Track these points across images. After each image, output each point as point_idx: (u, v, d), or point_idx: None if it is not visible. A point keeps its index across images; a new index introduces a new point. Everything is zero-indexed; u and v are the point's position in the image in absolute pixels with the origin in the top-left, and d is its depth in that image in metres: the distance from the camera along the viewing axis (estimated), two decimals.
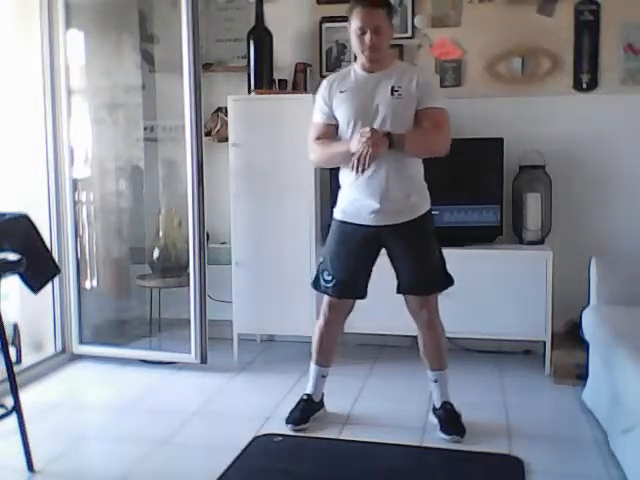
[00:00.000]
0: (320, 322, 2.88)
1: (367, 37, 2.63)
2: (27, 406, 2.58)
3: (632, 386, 2.27)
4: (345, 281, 2.78)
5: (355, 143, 2.59)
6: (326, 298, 2.84)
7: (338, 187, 2.81)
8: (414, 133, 2.65)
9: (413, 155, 2.68)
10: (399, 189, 2.67)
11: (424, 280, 2.75)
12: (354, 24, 2.66)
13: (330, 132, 2.75)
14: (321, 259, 2.87)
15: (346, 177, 2.75)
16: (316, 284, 2.86)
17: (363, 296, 2.84)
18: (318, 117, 2.80)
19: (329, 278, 2.80)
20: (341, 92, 2.72)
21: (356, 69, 2.76)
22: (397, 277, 2.78)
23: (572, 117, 3.73)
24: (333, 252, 2.81)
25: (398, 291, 2.79)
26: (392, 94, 2.64)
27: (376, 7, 2.65)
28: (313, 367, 2.95)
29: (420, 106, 2.67)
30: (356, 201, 2.71)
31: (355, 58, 2.80)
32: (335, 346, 2.95)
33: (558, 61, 3.72)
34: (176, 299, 3.92)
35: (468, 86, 3.83)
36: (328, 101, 2.76)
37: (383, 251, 2.78)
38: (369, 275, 2.82)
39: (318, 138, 2.77)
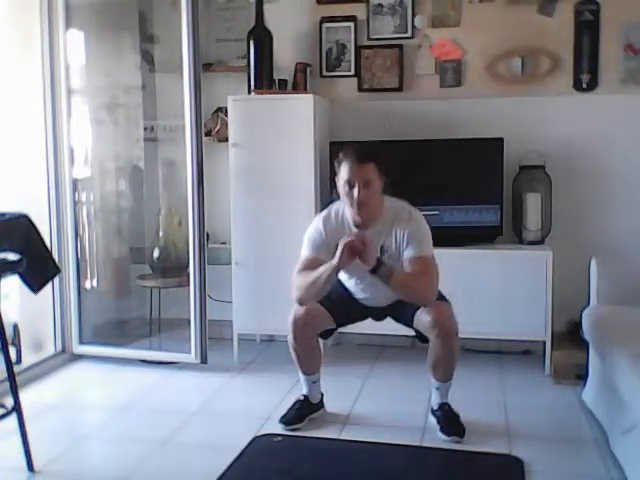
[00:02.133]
0: (291, 340, 2.81)
1: (355, 191, 2.60)
2: (27, 406, 2.58)
3: (632, 386, 2.27)
4: (328, 293, 2.75)
5: (337, 255, 2.55)
6: (291, 314, 2.77)
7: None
8: (403, 273, 2.62)
9: (395, 291, 2.65)
10: (391, 296, 2.74)
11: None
12: (342, 177, 2.65)
13: (318, 265, 2.65)
14: None
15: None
16: None
17: (334, 316, 2.82)
18: (309, 251, 2.74)
19: None
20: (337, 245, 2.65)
21: (349, 222, 2.73)
22: (406, 318, 2.79)
23: (572, 117, 3.73)
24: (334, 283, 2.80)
25: (412, 324, 2.78)
26: (382, 254, 2.65)
27: (365, 163, 2.62)
28: (301, 376, 2.94)
29: (408, 254, 2.65)
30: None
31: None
32: (315, 354, 2.90)
33: (558, 61, 3.72)
34: (176, 299, 3.92)
35: (468, 86, 3.83)
36: (324, 242, 2.71)
37: None
38: (347, 315, 2.87)
39: (304, 270, 2.70)
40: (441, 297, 2.74)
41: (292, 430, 2.83)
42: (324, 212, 2.83)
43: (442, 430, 2.77)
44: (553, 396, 3.25)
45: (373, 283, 2.69)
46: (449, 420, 2.79)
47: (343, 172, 2.64)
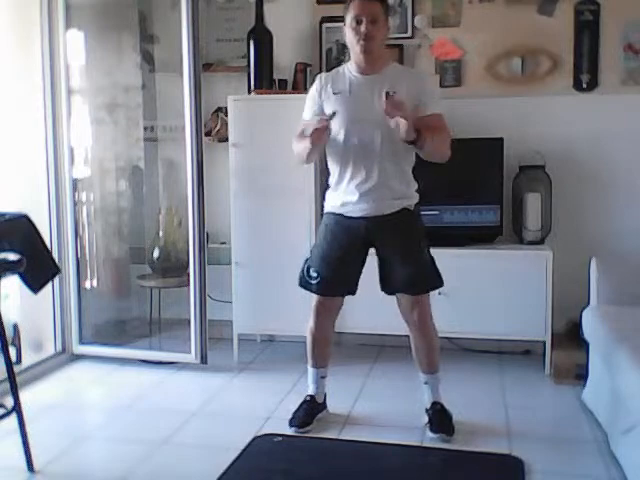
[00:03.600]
0: (311, 325, 2.85)
1: (363, 26, 2.61)
2: (27, 406, 2.58)
3: (632, 386, 2.27)
4: (330, 278, 2.77)
5: (309, 138, 2.59)
6: (314, 299, 2.82)
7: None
8: (432, 137, 2.59)
9: (423, 155, 2.66)
10: (390, 194, 2.69)
11: (415, 279, 2.73)
12: (350, 15, 2.65)
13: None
14: (308, 255, 2.87)
15: (336, 179, 2.77)
16: (301, 281, 2.83)
17: (352, 292, 2.82)
18: (307, 114, 2.79)
19: (314, 275, 2.79)
20: (334, 94, 2.71)
21: (350, 69, 2.73)
22: (385, 277, 2.77)
23: (572, 117, 3.73)
24: (319, 248, 2.81)
25: (388, 291, 2.78)
26: (386, 99, 2.56)
27: (373, 0, 2.64)
28: (311, 370, 2.94)
29: (421, 112, 2.63)
30: (345, 201, 2.74)
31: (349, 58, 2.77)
32: (329, 346, 2.94)
33: (558, 61, 3.72)
34: (176, 299, 3.92)
35: (468, 86, 3.83)
36: (319, 100, 2.74)
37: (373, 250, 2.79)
38: (358, 273, 2.81)
39: (300, 133, 2.75)
40: (431, 273, 2.76)
41: (304, 432, 2.82)
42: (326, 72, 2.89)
43: (430, 428, 2.78)
44: (553, 396, 3.25)
45: (366, 138, 2.65)
46: (439, 418, 2.79)
47: (351, 9, 2.65)
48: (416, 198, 2.78)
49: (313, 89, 2.79)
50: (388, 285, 2.78)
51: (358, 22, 2.63)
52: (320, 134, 2.59)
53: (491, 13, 3.75)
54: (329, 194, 2.84)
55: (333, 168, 2.79)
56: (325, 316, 2.84)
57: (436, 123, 2.64)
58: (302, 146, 2.70)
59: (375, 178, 2.67)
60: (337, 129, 2.68)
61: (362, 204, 2.70)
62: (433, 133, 2.59)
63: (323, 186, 3.65)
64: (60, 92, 3.72)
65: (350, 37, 2.67)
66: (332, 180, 2.80)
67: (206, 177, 3.54)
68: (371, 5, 2.63)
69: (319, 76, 2.82)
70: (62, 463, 2.59)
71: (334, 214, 2.79)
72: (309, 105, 2.79)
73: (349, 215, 2.74)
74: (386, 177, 2.68)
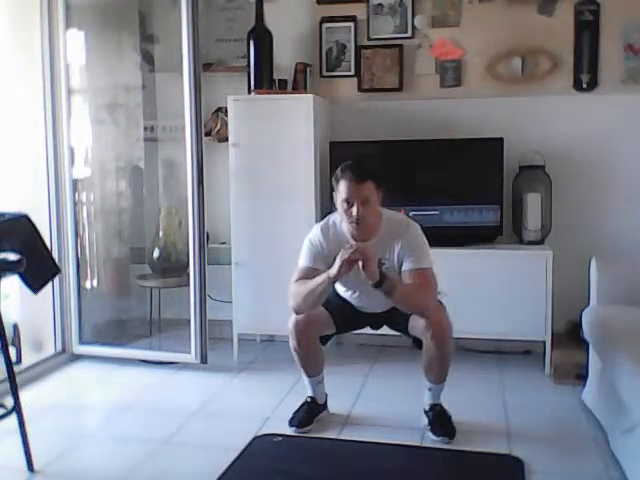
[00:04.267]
0: (293, 344, 2.80)
1: (354, 210, 2.61)
2: (27, 406, 2.58)
3: (632, 386, 2.27)
4: (328, 299, 2.75)
5: (336, 267, 2.56)
6: (291, 319, 2.77)
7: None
8: (405, 286, 2.62)
9: (397, 304, 2.65)
10: (388, 305, 2.75)
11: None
12: (340, 196, 2.65)
13: (315, 275, 2.67)
14: None
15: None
16: None
17: (334, 317, 2.82)
18: (308, 261, 2.74)
19: None
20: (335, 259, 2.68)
21: (347, 235, 2.72)
22: (401, 323, 2.78)
23: (572, 117, 3.73)
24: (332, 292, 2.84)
25: (407, 330, 2.77)
26: (380, 267, 2.61)
27: (363, 181, 2.62)
28: (306, 378, 2.93)
29: (406, 266, 2.65)
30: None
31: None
32: (318, 356, 2.89)
33: (558, 61, 3.72)
34: (176, 299, 3.92)
35: (468, 86, 3.83)
36: (323, 253, 2.71)
37: None
38: (346, 320, 2.86)
39: (301, 279, 2.70)
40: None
41: (303, 432, 2.82)
42: (322, 222, 2.83)
43: (432, 430, 2.77)
44: (553, 396, 3.25)
45: (369, 294, 2.71)
46: (440, 420, 2.78)
47: (342, 190, 2.64)
48: None
49: (316, 241, 2.74)
50: (402, 321, 2.76)
51: (349, 205, 2.62)
52: (355, 259, 2.53)
53: (491, 13, 3.75)
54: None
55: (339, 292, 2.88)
56: (305, 330, 2.76)
57: (419, 278, 2.63)
58: (315, 283, 2.63)
59: (378, 308, 2.81)
60: (341, 285, 2.80)
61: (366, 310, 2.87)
62: (410, 286, 2.61)
63: (323, 186, 3.67)
64: (60, 92, 3.72)
65: (342, 213, 2.67)
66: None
67: (206, 177, 3.54)
68: (362, 188, 2.61)
69: (319, 235, 2.76)
70: (62, 463, 2.59)
71: None
72: (309, 252, 2.74)
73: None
74: (389, 305, 2.76)
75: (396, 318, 2.80)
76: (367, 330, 3.54)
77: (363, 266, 2.52)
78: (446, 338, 2.65)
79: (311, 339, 2.80)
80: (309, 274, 2.69)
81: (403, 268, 2.65)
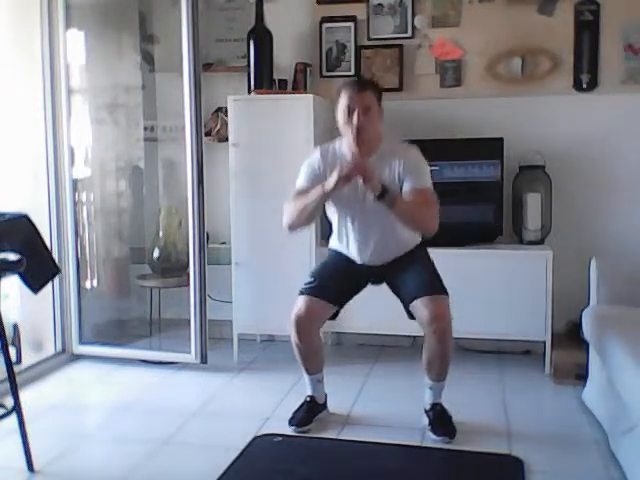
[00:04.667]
0: (294, 339, 2.79)
1: (355, 117, 2.60)
2: (27, 406, 2.58)
3: (632, 386, 2.27)
4: (323, 282, 2.77)
5: (332, 181, 2.55)
6: (293, 310, 2.76)
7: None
8: (407, 200, 2.61)
9: (399, 219, 2.63)
10: (385, 252, 2.77)
11: (428, 280, 2.71)
12: (342, 104, 2.64)
13: None
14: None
15: (336, 236, 2.86)
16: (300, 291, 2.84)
17: (337, 305, 2.81)
18: (304, 181, 2.75)
19: (311, 279, 2.80)
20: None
21: (345, 154, 2.73)
22: (401, 294, 2.77)
23: (572, 117, 3.73)
24: (321, 263, 2.89)
25: (406, 305, 2.75)
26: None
27: (365, 89, 2.63)
28: (306, 376, 2.93)
29: (407, 186, 2.64)
30: (346, 253, 2.84)
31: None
32: (319, 352, 2.89)
33: (558, 61, 3.72)
34: (176, 299, 3.92)
35: (468, 86, 3.83)
36: (317, 174, 2.71)
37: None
38: (349, 294, 2.85)
39: (295, 197, 2.72)
40: (441, 286, 2.72)
41: (303, 432, 2.82)
42: (323, 146, 2.84)
43: (432, 430, 2.77)
44: (553, 396, 3.25)
45: (365, 220, 2.70)
46: (440, 420, 2.78)
47: (343, 99, 2.64)
48: (418, 241, 2.84)
49: (313, 163, 2.76)
50: (404, 299, 2.75)
51: (350, 112, 2.62)
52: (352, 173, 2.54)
53: (491, 13, 3.75)
54: (332, 238, 2.90)
55: (334, 227, 2.86)
56: (306, 325, 2.75)
57: (420, 196, 2.63)
58: (308, 199, 2.65)
59: (374, 244, 2.76)
60: (336, 212, 2.78)
61: (364, 259, 2.80)
62: (411, 201, 2.60)
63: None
64: (60, 92, 3.72)
65: (342, 123, 2.67)
66: (333, 232, 2.87)
67: (206, 177, 3.54)
68: (363, 95, 2.62)
69: (317, 155, 2.78)
70: (62, 463, 2.59)
71: (338, 251, 2.88)
72: (307, 173, 2.75)
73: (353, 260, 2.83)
74: (385, 241, 2.75)
75: (398, 279, 2.76)
76: (367, 330, 3.54)
77: (364, 180, 2.51)
78: (448, 333, 2.64)
79: (312, 335, 2.80)
80: (305, 194, 2.69)
81: (404, 188, 2.64)
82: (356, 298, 2.88)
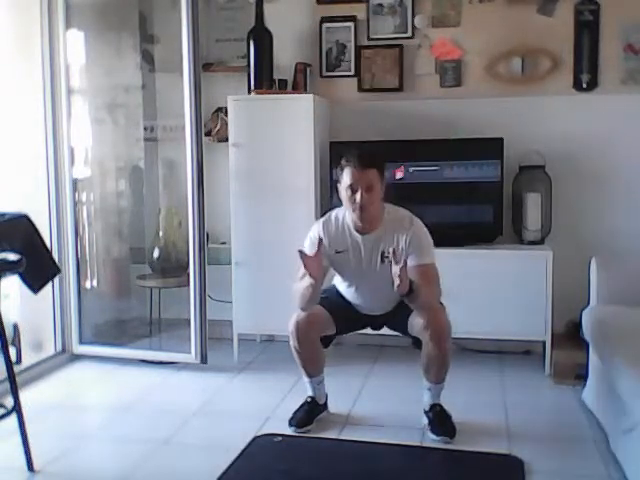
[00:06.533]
0: (294, 344, 2.80)
1: (358, 196, 2.62)
2: (27, 406, 2.58)
3: (632, 386, 2.27)
4: (328, 298, 2.81)
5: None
6: (293, 317, 2.77)
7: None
8: (421, 292, 2.59)
9: (415, 306, 2.65)
10: (389, 307, 2.81)
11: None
12: (344, 182, 2.66)
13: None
14: None
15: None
16: None
17: (336, 320, 2.83)
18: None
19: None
20: (337, 252, 2.73)
21: (350, 227, 2.75)
22: (402, 325, 2.79)
23: (572, 117, 3.73)
24: (328, 290, 2.89)
25: (408, 331, 2.78)
26: (382, 261, 2.67)
27: (368, 168, 2.64)
28: (306, 379, 2.93)
29: (413, 262, 2.64)
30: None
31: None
32: (319, 357, 2.90)
33: (558, 61, 3.72)
34: (176, 299, 3.92)
35: (468, 86, 3.83)
36: (326, 247, 2.71)
37: None
38: (349, 324, 2.90)
39: (301, 278, 2.70)
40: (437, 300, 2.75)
41: (303, 432, 2.82)
42: (324, 218, 2.85)
43: (432, 430, 2.77)
44: (553, 396, 3.25)
45: (367, 289, 2.76)
46: (440, 420, 2.78)
47: (345, 177, 2.66)
48: None
49: (315, 238, 2.73)
50: (404, 320, 2.76)
51: (353, 191, 2.64)
52: (312, 261, 2.57)
53: (491, 13, 3.75)
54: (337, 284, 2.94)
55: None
56: (306, 330, 2.76)
57: (427, 274, 2.66)
58: (303, 285, 2.67)
59: (376, 304, 2.85)
60: (344, 283, 2.83)
61: (365, 312, 2.88)
62: (425, 286, 2.61)
63: (323, 186, 3.67)
64: (60, 92, 3.72)
65: (345, 200, 2.69)
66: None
67: (206, 177, 3.54)
68: (366, 174, 2.63)
69: (319, 229, 2.78)
70: (62, 463, 2.59)
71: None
72: (310, 250, 2.72)
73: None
74: (387, 301, 2.81)
75: (396, 317, 2.81)
76: (367, 330, 3.54)
77: (398, 285, 2.50)
78: (444, 337, 2.65)
79: (312, 339, 2.80)
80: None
81: (410, 262, 2.63)
82: None
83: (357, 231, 2.73)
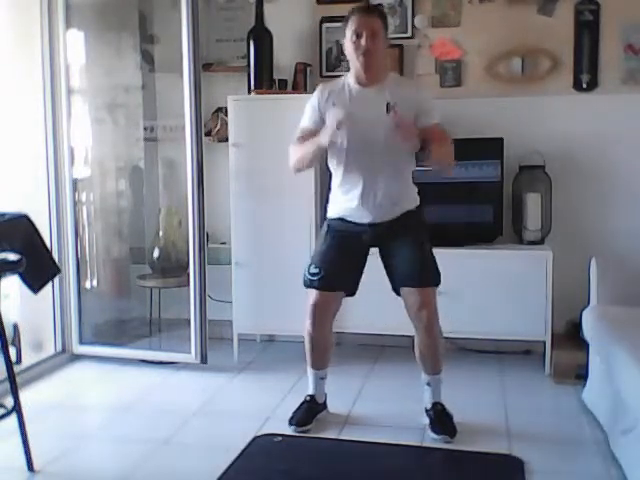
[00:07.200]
0: (308, 327, 2.82)
1: (363, 40, 2.63)
2: (27, 406, 2.58)
3: (632, 386, 2.27)
4: (331, 272, 2.77)
5: (325, 135, 2.59)
6: (310, 299, 2.78)
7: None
8: (437, 148, 2.62)
9: (433, 162, 2.67)
10: (390, 200, 2.73)
11: (420, 270, 2.72)
12: (350, 30, 2.67)
13: (312, 136, 2.70)
14: (310, 260, 2.87)
15: (338, 186, 2.80)
16: (305, 282, 2.83)
17: (351, 291, 2.83)
18: (306, 122, 2.78)
19: (315, 271, 2.78)
20: (334, 105, 2.70)
21: (350, 82, 2.75)
22: (391, 274, 2.78)
23: (572, 117, 3.73)
24: (321, 248, 2.84)
25: (395, 287, 2.77)
26: (387, 112, 2.61)
27: (372, 14, 2.68)
28: (310, 370, 2.94)
29: (423, 123, 2.66)
30: (347, 207, 2.77)
31: (349, 69, 2.77)
32: (329, 347, 2.92)
33: (558, 61, 3.72)
34: (176, 299, 3.92)
35: (468, 86, 3.83)
36: (320, 110, 2.73)
37: (375, 251, 2.80)
38: (359, 273, 2.83)
39: (299, 139, 2.76)
40: (431, 275, 2.74)
41: (303, 432, 2.82)
42: (327, 82, 2.88)
43: (433, 429, 2.77)
44: (553, 396, 3.25)
45: (375, 165, 2.69)
46: (441, 419, 2.79)
47: (351, 24, 2.67)
48: (417, 201, 2.82)
49: (314, 99, 2.78)
50: (394, 281, 2.77)
51: (358, 36, 2.65)
52: (336, 132, 2.57)
53: (491, 13, 3.75)
54: (332, 198, 2.86)
55: (335, 173, 2.82)
56: (322, 316, 2.80)
57: (441, 133, 2.68)
58: (305, 150, 2.70)
59: (375, 186, 2.71)
60: (345, 156, 2.73)
61: (362, 211, 2.75)
62: (440, 143, 2.63)
63: (323, 186, 3.67)
64: (60, 92, 3.72)
65: (350, 51, 2.69)
66: (334, 184, 2.83)
67: (206, 177, 3.54)
68: (371, 20, 2.66)
69: (319, 87, 2.82)
70: (62, 463, 2.59)
71: (335, 219, 2.83)
72: (309, 114, 2.78)
73: (350, 220, 2.78)
74: (386, 185, 2.72)
75: (391, 262, 2.76)
76: (367, 330, 3.54)
77: (404, 138, 2.52)
78: (433, 321, 2.71)
79: (326, 324, 2.83)
80: (306, 135, 2.73)
81: (423, 122, 2.66)
82: (357, 298, 2.87)
83: (361, 85, 2.71)
